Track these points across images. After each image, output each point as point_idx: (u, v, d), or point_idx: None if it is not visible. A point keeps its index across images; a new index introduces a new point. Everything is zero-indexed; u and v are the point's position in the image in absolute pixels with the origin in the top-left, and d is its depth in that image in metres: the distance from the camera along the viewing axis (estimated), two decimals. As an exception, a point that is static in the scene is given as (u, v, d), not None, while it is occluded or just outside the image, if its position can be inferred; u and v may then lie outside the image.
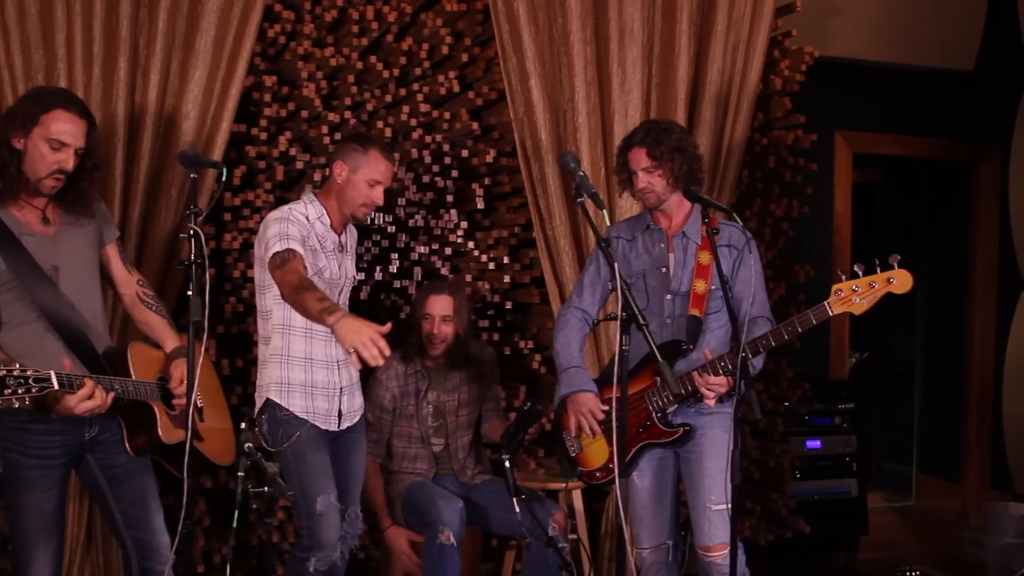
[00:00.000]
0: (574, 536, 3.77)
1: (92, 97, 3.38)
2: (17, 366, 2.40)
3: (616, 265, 2.53)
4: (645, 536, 3.17)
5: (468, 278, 4.09)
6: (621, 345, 2.50)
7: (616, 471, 2.52)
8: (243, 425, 2.54)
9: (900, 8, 5.30)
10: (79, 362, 2.67)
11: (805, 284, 4.58)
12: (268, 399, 3.14)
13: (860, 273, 2.88)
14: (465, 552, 3.42)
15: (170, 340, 2.97)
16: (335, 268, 3.20)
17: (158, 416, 2.81)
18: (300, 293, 2.80)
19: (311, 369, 3.16)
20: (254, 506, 2.52)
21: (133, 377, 2.78)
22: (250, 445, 2.49)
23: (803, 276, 4.53)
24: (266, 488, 2.46)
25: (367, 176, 3.15)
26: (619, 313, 2.50)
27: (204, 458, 2.98)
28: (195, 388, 2.61)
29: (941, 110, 5.70)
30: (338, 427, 3.22)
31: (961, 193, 6.00)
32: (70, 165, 2.68)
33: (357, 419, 3.30)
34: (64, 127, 2.65)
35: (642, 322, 2.54)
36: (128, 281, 3.00)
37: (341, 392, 3.21)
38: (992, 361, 5.79)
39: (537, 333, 4.19)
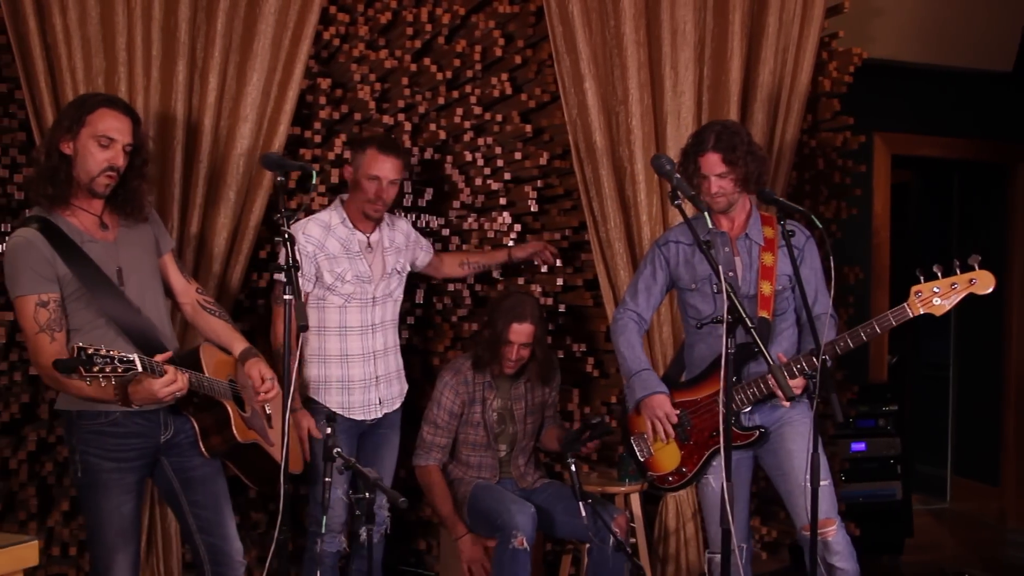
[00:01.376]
0: (633, 540, 3.74)
1: (151, 100, 3.36)
2: (103, 347, 2.40)
3: (721, 268, 2.51)
4: (719, 540, 3.15)
5: (520, 281, 4.07)
6: (727, 348, 2.48)
7: (724, 474, 2.49)
8: (328, 430, 2.51)
9: (938, 9, 5.26)
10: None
11: (852, 286, 4.58)
12: (307, 397, 3.32)
13: (939, 274, 2.86)
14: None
15: (237, 343, 2.96)
16: (363, 267, 3.34)
17: (232, 415, 2.80)
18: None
19: (347, 365, 3.34)
20: (356, 512, 2.49)
21: (207, 375, 2.77)
22: (339, 450, 2.46)
23: (852, 278, 4.52)
24: (367, 494, 2.44)
25: (365, 172, 3.30)
26: (724, 316, 2.48)
27: (274, 464, 2.95)
28: (291, 393, 2.56)
29: (979, 111, 5.66)
30: (380, 414, 3.40)
31: (997, 194, 5.98)
32: (120, 161, 2.70)
33: (397, 405, 3.48)
34: (110, 123, 2.68)
35: (750, 325, 2.52)
36: (187, 290, 3.00)
37: (377, 381, 3.39)
38: (1030, 362, 5.78)
39: (590, 336, 4.16)
